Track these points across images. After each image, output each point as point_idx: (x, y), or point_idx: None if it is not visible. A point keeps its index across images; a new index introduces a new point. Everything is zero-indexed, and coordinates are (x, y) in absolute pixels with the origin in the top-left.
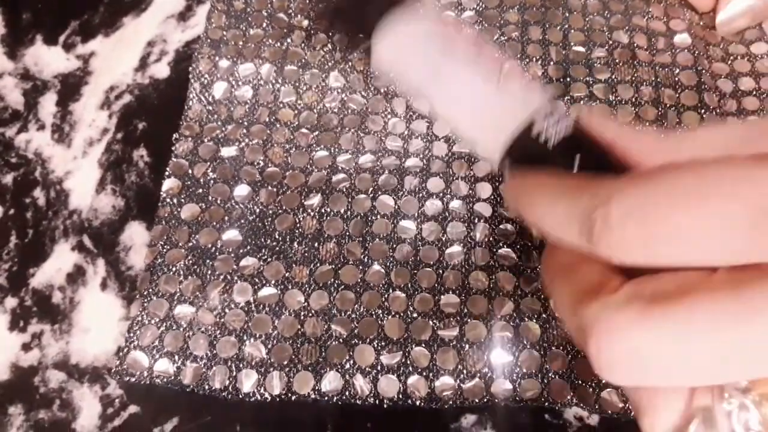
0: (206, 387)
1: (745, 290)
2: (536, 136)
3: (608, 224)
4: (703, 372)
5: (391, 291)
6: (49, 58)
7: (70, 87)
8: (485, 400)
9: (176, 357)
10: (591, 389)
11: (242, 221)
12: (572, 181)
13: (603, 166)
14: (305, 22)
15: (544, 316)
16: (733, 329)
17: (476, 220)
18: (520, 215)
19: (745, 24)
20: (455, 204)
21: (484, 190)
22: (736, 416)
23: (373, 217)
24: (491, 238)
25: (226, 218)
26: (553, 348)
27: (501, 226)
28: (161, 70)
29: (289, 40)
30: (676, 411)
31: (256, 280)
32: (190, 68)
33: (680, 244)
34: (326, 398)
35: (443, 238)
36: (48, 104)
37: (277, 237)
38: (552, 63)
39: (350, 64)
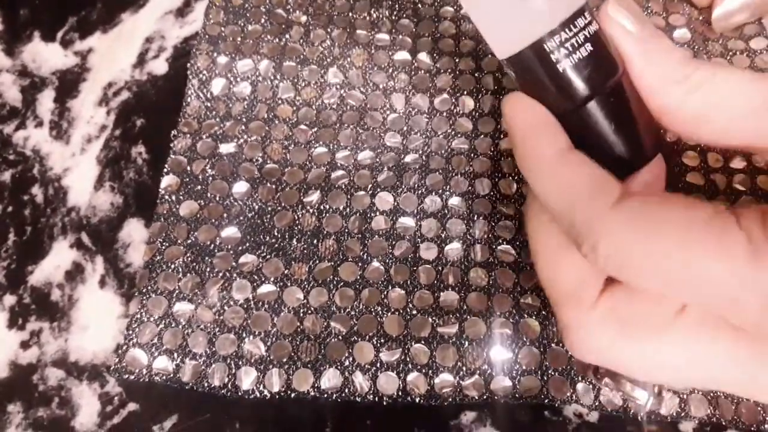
0: (205, 384)
1: (707, 338)
2: (550, 51)
3: (595, 255)
4: (662, 379)
5: (390, 288)
6: (47, 55)
7: (68, 83)
8: (485, 397)
9: (175, 354)
10: (591, 386)
11: (241, 218)
12: (570, 195)
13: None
14: (303, 18)
15: (543, 312)
16: (694, 368)
17: (475, 217)
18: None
19: (742, 19)
20: (454, 201)
21: (483, 186)
22: None
23: (372, 214)
24: (490, 235)
25: (225, 215)
26: (553, 345)
27: (500, 223)
28: (159, 66)
29: (287, 36)
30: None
31: (255, 278)
32: (189, 64)
33: (659, 287)
34: (325, 395)
35: (442, 235)
36: (46, 101)
37: (276, 234)
38: None
39: (349, 59)
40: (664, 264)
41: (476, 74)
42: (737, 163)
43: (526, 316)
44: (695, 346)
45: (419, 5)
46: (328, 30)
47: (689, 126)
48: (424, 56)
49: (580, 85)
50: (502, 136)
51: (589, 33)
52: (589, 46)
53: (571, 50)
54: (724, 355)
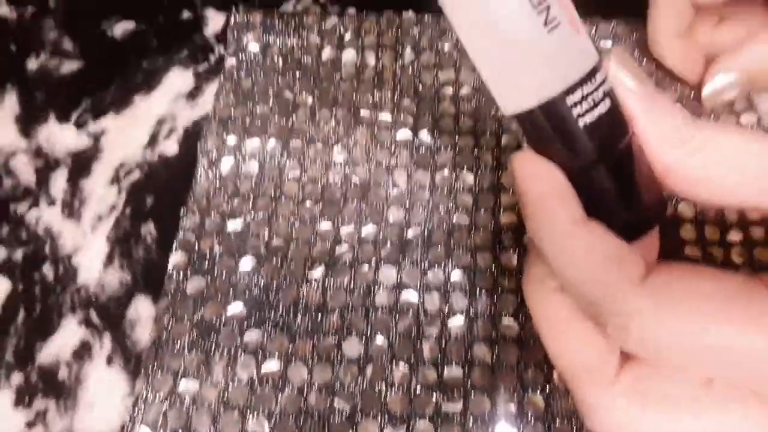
0: None
1: (737, 411)
2: (565, 110)
3: (626, 336)
4: None
5: (394, 364)
6: (61, 136)
7: (81, 164)
8: None
9: None
10: None
11: (247, 294)
12: (590, 268)
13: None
14: (310, 100)
15: (548, 388)
16: None
17: (478, 291)
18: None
19: (732, 96)
20: (456, 275)
21: (485, 260)
22: None
23: (376, 289)
24: (493, 309)
25: (231, 291)
26: (558, 420)
27: (503, 297)
28: (170, 147)
29: (294, 117)
30: None
31: (260, 354)
32: (198, 145)
33: (692, 364)
34: None
35: (446, 309)
36: (59, 181)
37: (281, 310)
38: None
39: (353, 138)
40: (701, 341)
41: (475, 151)
42: (734, 236)
43: (530, 391)
44: (724, 418)
45: (420, 86)
46: (333, 110)
47: (692, 186)
48: (424, 134)
49: (593, 144)
50: (502, 211)
51: (604, 91)
52: (603, 105)
53: (587, 109)
54: (755, 428)
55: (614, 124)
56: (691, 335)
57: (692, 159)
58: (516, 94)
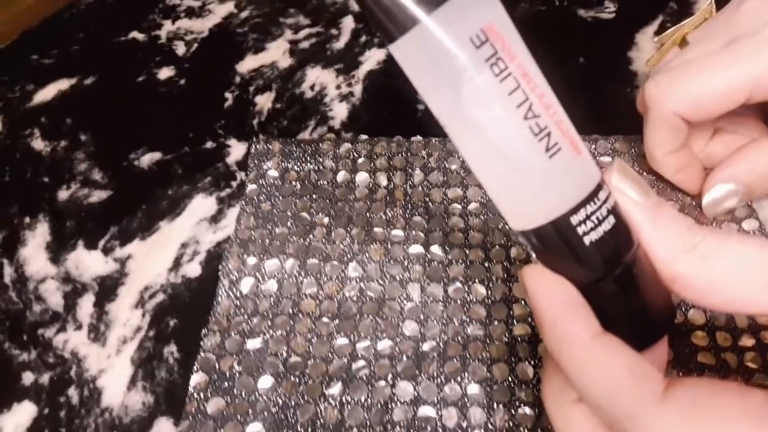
0: None
1: None
2: (573, 227)
3: None
4: None
5: None
6: (89, 262)
7: (107, 288)
8: None
9: None
10: None
11: (265, 413)
12: (609, 385)
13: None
14: (326, 220)
15: None
16: None
17: (495, 405)
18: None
19: (732, 204)
20: (473, 388)
21: (502, 372)
22: None
23: (393, 405)
24: (511, 423)
25: (250, 411)
26: None
27: (520, 410)
28: (193, 269)
29: (311, 236)
30: None
31: None
32: (220, 266)
33: None
34: None
35: (464, 425)
36: (86, 305)
37: (299, 429)
38: None
39: (367, 254)
40: None
41: (486, 264)
42: (746, 341)
43: None
44: None
45: (430, 204)
46: (348, 229)
47: (700, 294)
48: (436, 249)
49: (600, 259)
50: (515, 322)
51: (607, 208)
52: (608, 222)
53: (592, 227)
54: None
55: (620, 238)
56: None
57: (698, 266)
58: (521, 214)
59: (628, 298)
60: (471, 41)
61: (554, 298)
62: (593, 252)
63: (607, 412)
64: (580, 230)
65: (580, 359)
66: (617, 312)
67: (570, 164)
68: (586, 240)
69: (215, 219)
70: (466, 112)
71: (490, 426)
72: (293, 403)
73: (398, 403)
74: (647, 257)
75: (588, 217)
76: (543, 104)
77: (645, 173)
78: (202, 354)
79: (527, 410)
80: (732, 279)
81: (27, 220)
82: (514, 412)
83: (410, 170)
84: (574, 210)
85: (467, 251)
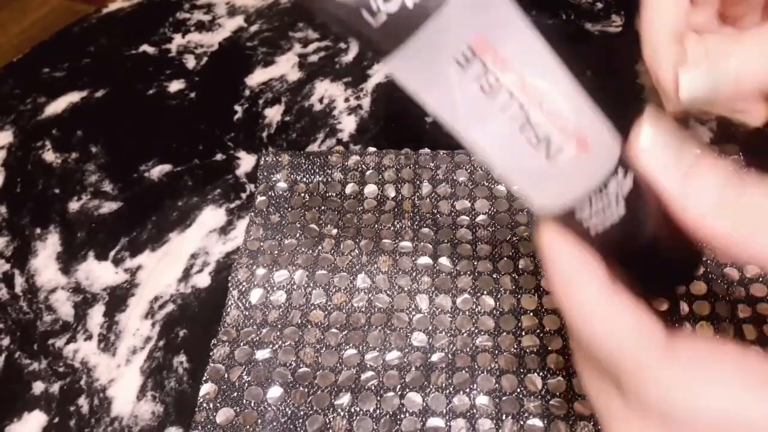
0: None
1: None
2: (580, 217)
3: (645, 401)
4: None
5: None
6: (99, 273)
7: (117, 299)
8: None
9: None
10: None
11: (274, 423)
12: (616, 339)
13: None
14: (334, 231)
15: None
16: None
17: (504, 416)
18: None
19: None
20: (482, 399)
21: (511, 383)
22: None
23: (402, 416)
24: None
25: (259, 421)
26: None
27: (529, 422)
28: (203, 279)
29: (320, 248)
30: None
31: None
32: (230, 277)
33: None
34: None
35: None
36: (96, 315)
37: None
38: None
39: (376, 266)
40: (723, 411)
41: (494, 275)
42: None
43: None
44: None
45: (438, 215)
46: (357, 240)
47: (740, 248)
48: (444, 260)
49: (616, 237)
50: (523, 333)
51: (624, 188)
52: (620, 207)
53: (604, 211)
54: None
55: (636, 218)
56: (711, 405)
57: (737, 221)
58: (533, 203)
59: (644, 258)
60: (456, 62)
61: (568, 255)
62: (604, 236)
63: (613, 366)
64: (586, 220)
65: (589, 314)
66: (631, 269)
67: (574, 162)
68: (593, 231)
69: (225, 230)
70: (461, 126)
71: None
72: (302, 414)
73: (407, 413)
74: (670, 218)
75: (596, 204)
76: (544, 110)
77: None
78: (211, 364)
79: (536, 421)
80: None
81: (38, 231)
82: (522, 423)
83: (418, 182)
84: (582, 201)
85: (475, 263)
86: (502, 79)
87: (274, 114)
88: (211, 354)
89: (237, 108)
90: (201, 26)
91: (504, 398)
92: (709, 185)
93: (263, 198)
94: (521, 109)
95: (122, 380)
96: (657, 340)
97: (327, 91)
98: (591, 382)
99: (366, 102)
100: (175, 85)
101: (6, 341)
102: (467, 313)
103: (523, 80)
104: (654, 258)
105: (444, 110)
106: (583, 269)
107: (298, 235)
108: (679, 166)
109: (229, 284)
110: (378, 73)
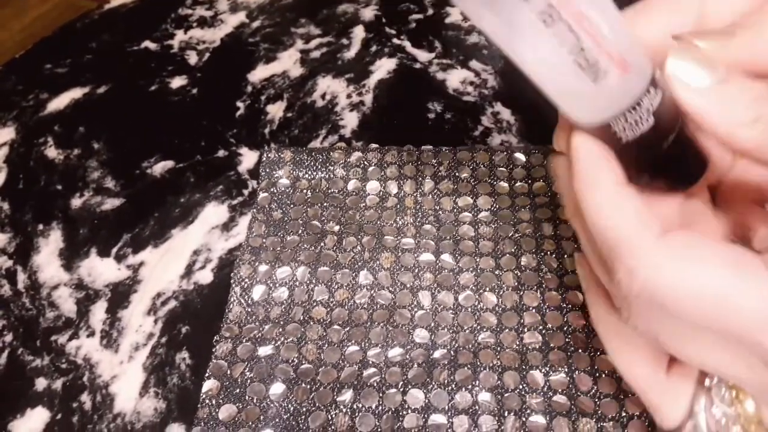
0: None
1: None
2: (615, 130)
3: (633, 278)
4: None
5: None
6: (101, 269)
7: (120, 295)
8: None
9: None
10: None
11: (277, 420)
12: (619, 227)
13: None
14: (336, 228)
15: None
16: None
17: (506, 413)
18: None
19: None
20: (484, 396)
21: (513, 380)
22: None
23: (404, 412)
24: (522, 431)
25: (262, 417)
26: None
27: (531, 418)
28: (205, 276)
29: (322, 244)
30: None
31: None
32: (232, 273)
33: (697, 317)
34: None
35: None
36: (98, 312)
37: None
38: (566, 256)
39: (378, 262)
40: (707, 290)
41: (496, 272)
42: None
43: None
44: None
45: (440, 212)
46: (359, 237)
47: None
48: (446, 257)
49: (643, 147)
50: (526, 330)
51: (655, 103)
52: (649, 121)
53: (637, 124)
54: None
55: (663, 126)
56: (700, 287)
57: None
58: (572, 117)
59: (662, 162)
60: None
61: (590, 150)
62: (632, 144)
63: (613, 249)
64: (620, 132)
65: (600, 204)
66: (649, 171)
67: (616, 84)
68: (624, 140)
69: (227, 227)
70: (517, 52)
71: None
72: (304, 410)
73: (409, 410)
74: (685, 127)
75: (630, 119)
76: (595, 40)
77: None
78: (213, 360)
79: (539, 418)
80: None
81: (40, 227)
82: (525, 420)
83: (420, 179)
84: (618, 117)
85: (477, 259)
86: (564, 14)
87: (276, 110)
88: (213, 350)
89: (239, 104)
90: (203, 22)
91: (506, 395)
92: (740, 98)
93: (265, 194)
94: (577, 40)
95: (125, 377)
96: (654, 228)
97: (329, 87)
98: (596, 309)
99: (368, 98)
100: (177, 81)
101: (9, 338)
102: (469, 309)
103: (581, 14)
104: (669, 161)
105: (501, 37)
106: (604, 167)
107: (300, 231)
108: (710, 80)
109: (232, 281)
110: (380, 69)
